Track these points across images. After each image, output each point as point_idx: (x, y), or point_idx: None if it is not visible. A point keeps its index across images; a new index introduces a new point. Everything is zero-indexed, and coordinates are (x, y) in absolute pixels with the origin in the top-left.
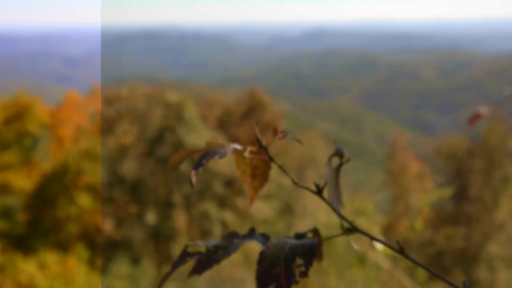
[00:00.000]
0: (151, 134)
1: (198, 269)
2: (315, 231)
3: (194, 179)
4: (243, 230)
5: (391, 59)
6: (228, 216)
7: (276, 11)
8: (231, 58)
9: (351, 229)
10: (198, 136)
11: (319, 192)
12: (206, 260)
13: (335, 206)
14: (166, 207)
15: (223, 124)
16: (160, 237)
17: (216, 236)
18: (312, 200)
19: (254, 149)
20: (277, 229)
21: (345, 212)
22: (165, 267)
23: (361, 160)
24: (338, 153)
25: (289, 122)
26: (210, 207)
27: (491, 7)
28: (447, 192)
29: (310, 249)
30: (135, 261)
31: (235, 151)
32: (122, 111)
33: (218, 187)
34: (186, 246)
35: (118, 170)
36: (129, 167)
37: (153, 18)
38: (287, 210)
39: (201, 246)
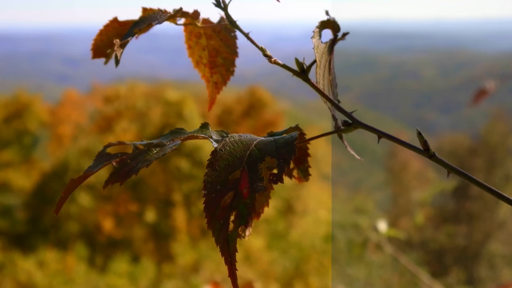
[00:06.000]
0: (150, 132)
1: (120, 174)
2: (296, 128)
3: (119, 52)
4: None
5: (391, 59)
6: None
7: (277, 10)
8: None
9: (349, 123)
10: None
11: (303, 72)
12: (132, 162)
13: (326, 93)
14: (166, 205)
15: (223, 122)
16: (160, 235)
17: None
18: (313, 199)
19: (211, 21)
20: (277, 227)
21: (346, 210)
22: (165, 265)
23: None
24: (331, 24)
25: (289, 120)
26: None
27: (491, 7)
28: (450, 185)
29: (287, 144)
30: (135, 259)
31: (185, 18)
32: (121, 109)
33: None
34: (105, 146)
35: None
36: None
37: None
38: (288, 209)
39: (128, 144)
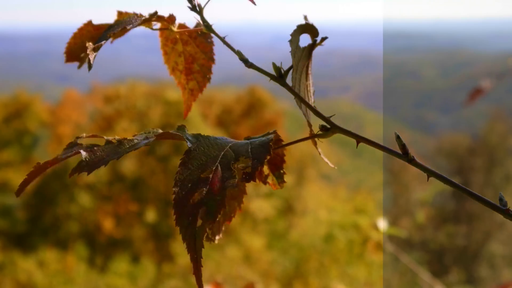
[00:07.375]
0: None
1: (88, 164)
2: (274, 133)
3: (92, 56)
4: (243, 229)
5: (391, 59)
6: None
7: (277, 10)
8: (232, 57)
9: (327, 128)
10: None
11: (280, 77)
12: (102, 153)
13: (302, 97)
14: (166, 205)
15: (223, 122)
16: (160, 235)
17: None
18: (313, 199)
19: (187, 26)
20: (277, 227)
21: (346, 210)
22: (165, 265)
23: (361, 159)
24: (309, 28)
25: (289, 120)
26: None
27: (492, 7)
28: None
29: (262, 145)
30: (135, 259)
31: (160, 22)
32: (121, 109)
33: None
34: (77, 137)
35: (118, 168)
36: (129, 165)
37: None
38: (288, 209)
39: (101, 137)
